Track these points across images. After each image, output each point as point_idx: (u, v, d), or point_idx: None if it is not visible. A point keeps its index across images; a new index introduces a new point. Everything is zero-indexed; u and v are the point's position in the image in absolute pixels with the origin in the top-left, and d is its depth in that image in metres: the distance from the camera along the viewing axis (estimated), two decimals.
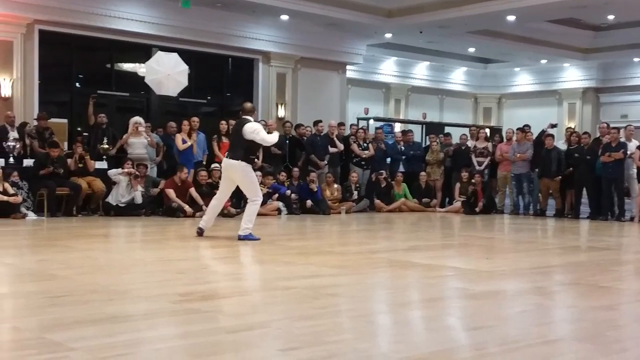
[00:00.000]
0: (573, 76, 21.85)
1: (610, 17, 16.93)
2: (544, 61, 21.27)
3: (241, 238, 8.06)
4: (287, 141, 14.02)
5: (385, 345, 3.73)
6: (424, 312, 4.67)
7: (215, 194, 11.75)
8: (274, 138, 8.58)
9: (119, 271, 6.04)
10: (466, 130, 15.96)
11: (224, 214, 11.71)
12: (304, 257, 6.99)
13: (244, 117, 8.38)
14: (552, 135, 14.07)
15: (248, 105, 8.59)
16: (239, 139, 8.21)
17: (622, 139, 13.15)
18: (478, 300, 4.97)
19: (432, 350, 3.55)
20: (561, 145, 14.51)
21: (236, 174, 8.25)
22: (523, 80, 23.15)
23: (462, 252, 8.22)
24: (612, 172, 12.70)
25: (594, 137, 14.42)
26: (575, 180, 13.37)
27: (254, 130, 8.16)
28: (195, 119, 12.98)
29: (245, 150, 8.17)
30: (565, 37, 18.94)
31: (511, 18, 15.61)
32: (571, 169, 13.38)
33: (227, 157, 8.38)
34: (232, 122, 12.66)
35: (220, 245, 8.00)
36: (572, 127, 18.92)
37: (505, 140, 14.90)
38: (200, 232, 8.39)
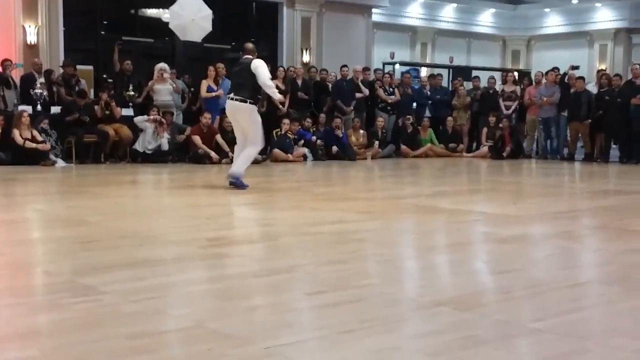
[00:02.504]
0: (605, 17, 21.29)
1: None
2: (574, 1, 20.73)
3: (232, 183, 7.82)
4: (313, 86, 13.93)
5: (412, 289, 3.76)
6: (451, 256, 4.67)
7: None
8: (272, 85, 8.14)
9: (148, 217, 6.11)
10: (494, 74, 15.71)
11: None
12: (331, 203, 7.01)
13: (245, 56, 8.08)
14: (582, 78, 13.80)
15: (250, 45, 8.23)
16: (245, 77, 7.83)
17: None
18: (505, 245, 4.96)
19: (458, 293, 3.56)
20: (592, 87, 14.24)
21: (243, 116, 7.87)
22: (553, 22, 22.61)
23: (489, 197, 8.19)
24: None
25: (625, 79, 14.11)
26: (606, 123, 13.16)
27: (261, 64, 7.86)
28: (221, 65, 12.91)
29: (251, 89, 7.83)
30: None
31: None
32: (601, 112, 13.15)
33: (231, 99, 7.92)
34: None
35: (246, 192, 8.04)
36: (604, 69, 18.53)
37: (534, 83, 14.65)
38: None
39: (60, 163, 10.94)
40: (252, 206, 7.01)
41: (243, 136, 8.06)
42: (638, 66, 13.52)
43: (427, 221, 6.16)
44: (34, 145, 10.67)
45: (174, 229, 5.48)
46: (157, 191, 8.91)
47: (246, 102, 7.81)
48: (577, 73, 14.15)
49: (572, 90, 13.55)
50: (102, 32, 14.93)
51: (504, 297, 3.51)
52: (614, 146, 13.62)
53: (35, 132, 10.82)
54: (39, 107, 11.44)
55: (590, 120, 13.30)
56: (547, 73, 14.14)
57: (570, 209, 7.02)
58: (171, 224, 5.78)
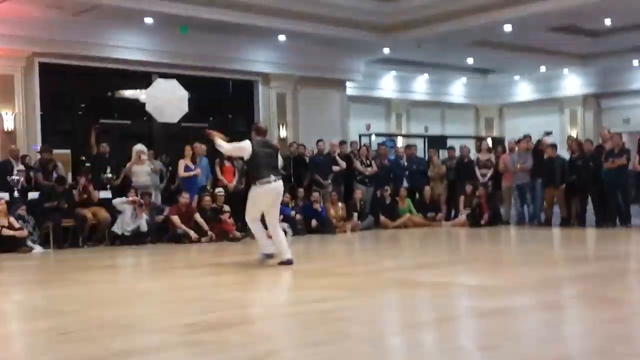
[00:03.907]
0: (573, 83, 21.87)
1: (608, 21, 16.96)
2: (543, 68, 21.29)
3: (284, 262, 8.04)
4: (291, 161, 14.05)
5: None
6: (434, 333, 4.64)
7: (220, 219, 11.92)
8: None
9: (126, 304, 6.03)
10: (468, 142, 15.95)
11: (230, 238, 11.76)
12: (311, 280, 6.98)
13: (261, 138, 8.38)
14: (554, 145, 14.06)
15: (264, 126, 8.81)
16: (275, 158, 8.30)
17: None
18: (487, 319, 4.95)
19: None
20: (564, 153, 14.49)
21: (281, 195, 8.41)
22: (523, 90, 23.17)
23: (470, 267, 8.19)
24: (616, 178, 12.67)
25: (597, 143, 14.40)
26: (580, 188, 13.34)
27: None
28: (198, 145, 12.98)
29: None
30: (564, 44, 18.94)
31: (508, 28, 15.65)
32: (574, 177, 13.35)
33: (275, 180, 8.14)
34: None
35: (226, 271, 7.99)
36: (574, 135, 18.90)
37: (507, 150, 14.89)
38: (268, 257, 8.26)
39: (38, 249, 10.82)
40: (232, 287, 6.94)
41: (259, 214, 8.35)
42: (607, 131, 13.83)
43: (409, 296, 6.14)
44: (11, 232, 10.57)
45: (153, 315, 5.40)
46: (135, 275, 8.81)
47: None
48: (550, 138, 14.41)
49: (545, 157, 13.77)
50: (79, 113, 15.04)
51: None
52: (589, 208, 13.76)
53: (12, 219, 10.73)
54: (16, 194, 11.39)
55: (564, 185, 13.48)
56: (519, 141, 14.39)
57: (550, 277, 7.03)
58: (150, 310, 5.70)
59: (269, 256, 8.22)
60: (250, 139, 8.25)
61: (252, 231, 8.65)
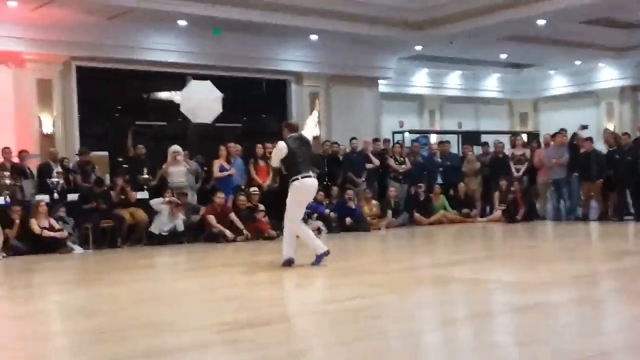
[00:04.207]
0: (609, 76, 21.50)
1: None
2: (578, 62, 20.99)
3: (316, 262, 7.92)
4: (325, 160, 14.10)
5: None
6: (470, 329, 4.65)
7: (254, 218, 12.01)
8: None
9: (164, 303, 6.13)
10: (502, 137, 15.81)
11: (265, 237, 11.84)
12: (346, 278, 7.01)
13: (295, 133, 8.11)
14: (590, 138, 13.87)
15: (296, 122, 8.73)
16: (310, 154, 8.16)
17: None
18: (524, 314, 4.94)
19: None
20: (600, 146, 14.30)
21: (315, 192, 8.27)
22: (558, 83, 22.85)
23: (505, 263, 8.16)
24: None
25: (634, 136, 14.17)
26: (617, 182, 13.16)
27: None
28: (233, 145, 13.11)
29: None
30: (599, 37, 18.66)
31: (541, 22, 15.48)
32: (612, 171, 13.17)
33: (310, 176, 7.91)
34: (269, 145, 12.84)
35: (262, 270, 8.06)
36: (611, 128, 18.61)
37: (543, 145, 14.73)
38: (289, 262, 7.93)
39: (78, 250, 11.04)
40: (267, 285, 7.01)
41: (303, 213, 8.29)
42: None
43: (445, 292, 6.14)
44: (51, 234, 10.80)
45: (189, 314, 5.50)
46: (173, 274, 8.94)
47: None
48: (586, 132, 14.21)
49: (581, 151, 13.60)
50: (116, 116, 15.29)
51: None
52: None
53: (52, 221, 10.96)
54: (55, 196, 11.62)
55: (602, 180, 13.30)
56: (554, 135, 14.23)
57: (587, 272, 6.97)
58: (186, 309, 5.80)
59: (326, 253, 7.90)
60: (283, 138, 8.08)
61: (300, 236, 8.03)
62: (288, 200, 7.96)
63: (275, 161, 8.35)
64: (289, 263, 7.89)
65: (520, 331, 4.47)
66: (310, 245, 8.00)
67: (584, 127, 14.33)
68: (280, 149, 7.99)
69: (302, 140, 8.05)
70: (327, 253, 7.91)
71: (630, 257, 8.46)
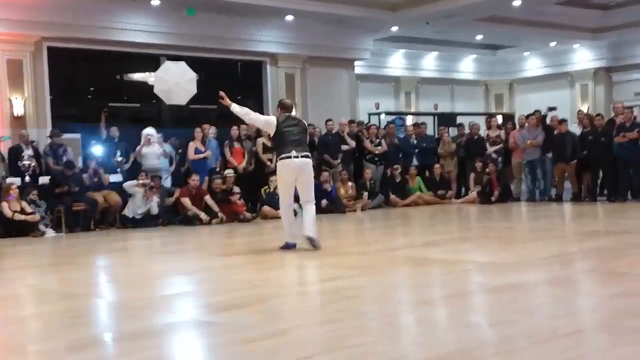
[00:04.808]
0: (584, 57, 21.65)
1: None
2: (553, 43, 21.10)
3: (314, 245, 7.70)
4: None
5: (407, 347, 3.74)
6: (445, 310, 4.66)
7: (230, 200, 11.93)
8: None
9: (138, 286, 6.07)
10: (478, 119, 15.88)
11: (240, 219, 11.79)
12: (322, 259, 7.00)
13: (288, 113, 8.02)
14: (564, 120, 13.96)
15: (289, 101, 8.45)
16: (303, 134, 7.90)
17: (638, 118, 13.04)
18: (498, 294, 4.96)
19: (455, 348, 3.54)
20: (574, 128, 14.40)
21: (310, 171, 7.86)
22: (533, 65, 22.98)
23: (480, 244, 8.19)
24: (627, 152, 12.60)
25: (608, 118, 14.29)
26: (591, 162, 13.28)
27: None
28: (207, 126, 13.04)
29: (307, 145, 8.06)
30: (574, 18, 18.76)
31: (517, 3, 15.50)
32: (585, 152, 13.29)
33: (298, 156, 7.67)
34: (244, 126, 12.77)
35: (238, 252, 8.02)
36: (585, 109, 18.75)
37: (517, 127, 14.81)
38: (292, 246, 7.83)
39: (50, 233, 10.90)
40: (243, 267, 6.98)
41: (291, 194, 7.90)
42: (620, 105, 13.72)
43: (420, 273, 6.15)
44: (23, 217, 10.66)
45: (165, 297, 5.44)
46: (147, 257, 8.86)
47: (310, 157, 7.89)
48: (555, 113, 14.28)
49: (555, 132, 13.70)
50: (88, 97, 15.07)
51: (500, 350, 3.50)
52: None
53: (24, 204, 10.81)
54: (27, 179, 11.45)
55: (575, 161, 13.41)
56: (528, 116, 14.30)
57: (560, 252, 7.03)
58: (162, 292, 5.74)
59: (292, 246, 7.78)
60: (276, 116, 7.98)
61: (282, 218, 8.04)
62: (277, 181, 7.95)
63: (244, 114, 7.92)
64: (287, 246, 7.78)
65: (495, 311, 4.49)
66: (285, 231, 7.92)
67: (552, 109, 14.36)
68: (268, 120, 8.01)
69: (293, 120, 7.97)
70: (293, 246, 7.75)
71: (604, 237, 8.56)
